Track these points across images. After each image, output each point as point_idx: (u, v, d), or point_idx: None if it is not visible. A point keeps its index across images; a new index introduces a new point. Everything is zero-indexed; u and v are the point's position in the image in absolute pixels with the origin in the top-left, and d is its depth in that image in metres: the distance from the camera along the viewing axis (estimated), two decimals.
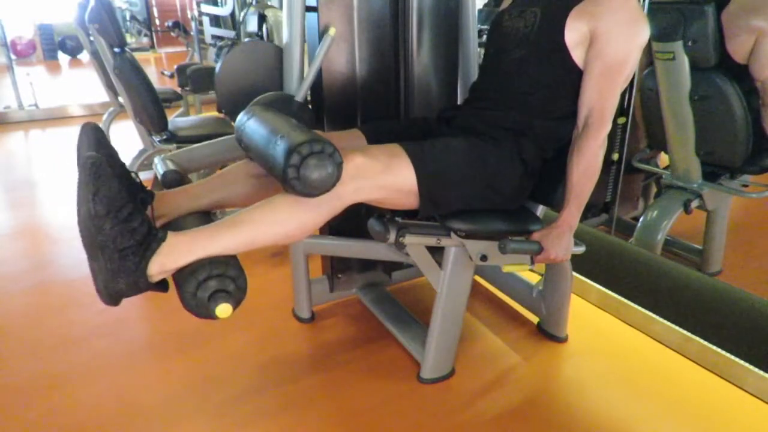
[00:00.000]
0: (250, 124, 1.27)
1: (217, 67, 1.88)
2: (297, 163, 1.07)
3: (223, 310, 1.08)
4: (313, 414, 1.52)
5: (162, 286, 1.13)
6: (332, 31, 1.66)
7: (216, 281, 1.08)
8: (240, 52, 1.81)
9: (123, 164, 1.21)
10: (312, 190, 1.10)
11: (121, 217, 1.03)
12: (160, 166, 1.54)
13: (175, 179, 1.44)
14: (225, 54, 1.88)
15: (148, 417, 1.51)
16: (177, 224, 1.26)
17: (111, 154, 1.17)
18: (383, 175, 1.24)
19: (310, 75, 1.68)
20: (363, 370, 1.70)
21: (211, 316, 1.08)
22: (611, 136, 1.37)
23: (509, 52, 1.45)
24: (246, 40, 3.03)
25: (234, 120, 2.05)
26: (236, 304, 1.12)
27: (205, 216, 1.33)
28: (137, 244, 1.05)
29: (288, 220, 1.18)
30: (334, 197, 1.17)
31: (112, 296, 1.07)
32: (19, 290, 2.20)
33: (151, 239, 1.07)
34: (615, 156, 2.11)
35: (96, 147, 1.14)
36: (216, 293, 1.08)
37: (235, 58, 1.80)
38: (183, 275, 1.09)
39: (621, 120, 2.07)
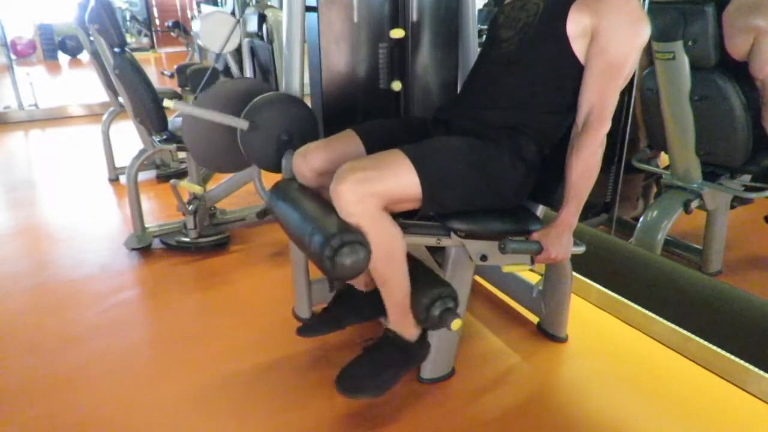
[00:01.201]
0: (280, 206, 1.46)
1: (183, 134, 1.91)
2: (330, 254, 1.21)
3: (456, 324, 1.42)
4: (313, 414, 1.51)
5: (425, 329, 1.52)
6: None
7: (441, 305, 1.42)
8: (189, 119, 1.83)
9: (331, 307, 1.68)
10: (347, 274, 1.25)
11: (380, 372, 1.45)
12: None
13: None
14: (182, 121, 1.92)
15: (148, 417, 1.51)
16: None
17: (328, 321, 1.64)
18: (385, 183, 1.26)
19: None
20: None
21: (449, 329, 1.43)
22: (610, 141, 1.37)
23: (507, 42, 1.45)
24: (246, 39, 3.02)
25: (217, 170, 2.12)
26: (461, 315, 1.46)
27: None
28: (400, 356, 1.48)
29: (380, 261, 1.32)
30: (361, 222, 1.25)
31: (422, 360, 1.57)
32: (19, 290, 2.20)
33: (397, 344, 1.48)
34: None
35: (319, 333, 1.67)
36: (444, 313, 1.43)
37: (191, 125, 1.84)
38: (419, 321, 1.46)
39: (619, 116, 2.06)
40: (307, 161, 1.48)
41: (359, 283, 1.64)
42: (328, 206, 1.33)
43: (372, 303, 1.57)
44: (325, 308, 1.66)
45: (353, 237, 1.23)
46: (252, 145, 1.68)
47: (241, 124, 1.66)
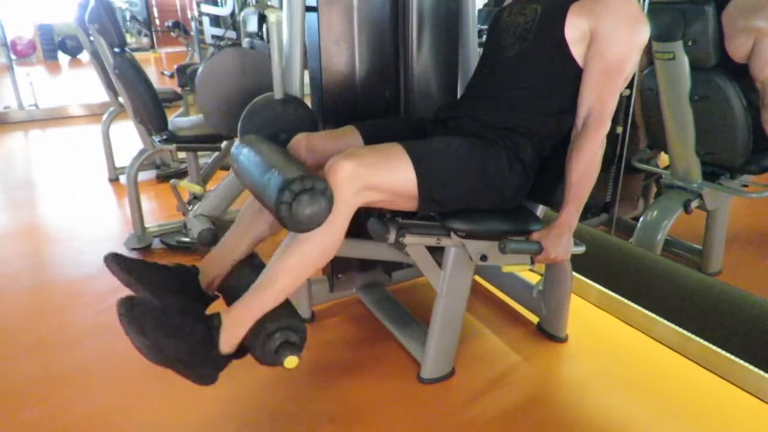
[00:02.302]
0: (244, 154, 1.32)
1: (198, 74, 1.87)
2: (289, 200, 1.10)
3: (290, 361, 1.22)
4: (313, 414, 1.51)
5: (240, 353, 1.26)
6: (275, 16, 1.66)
7: (280, 334, 1.21)
8: (221, 59, 1.81)
9: (155, 267, 1.36)
10: (303, 226, 1.14)
11: (176, 335, 1.16)
12: (195, 225, 1.65)
13: (209, 236, 1.58)
14: (205, 61, 1.89)
15: (148, 416, 1.51)
16: (230, 285, 1.42)
17: (140, 270, 1.33)
18: (381, 175, 1.25)
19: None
20: (363, 370, 1.70)
21: (281, 365, 1.22)
22: (610, 141, 1.37)
23: (509, 48, 1.45)
24: (246, 40, 3.03)
25: (219, 128, 2.08)
26: (300, 349, 1.25)
27: (251, 262, 1.46)
28: (200, 342, 1.19)
29: (314, 252, 1.24)
30: (339, 205, 1.19)
31: (206, 380, 1.23)
32: (19, 290, 2.20)
33: (210, 331, 1.20)
34: (619, 129, 2.09)
35: (125, 274, 1.30)
36: (281, 346, 1.21)
37: (216, 66, 1.81)
38: (249, 340, 1.23)
39: (619, 129, 2.07)
40: (311, 143, 1.48)
41: (206, 276, 1.43)
42: (298, 160, 1.25)
43: (194, 299, 1.37)
44: (156, 263, 1.40)
45: (317, 184, 1.12)
46: (257, 119, 1.66)
47: (279, 92, 1.66)
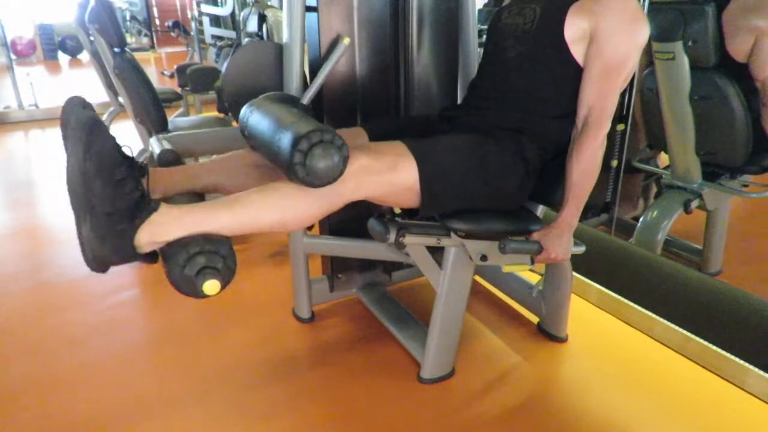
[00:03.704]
0: (255, 114, 1.26)
1: (224, 68, 1.86)
2: (305, 149, 1.05)
3: (211, 286, 1.04)
4: (313, 414, 1.51)
5: (150, 257, 1.09)
6: (346, 41, 1.61)
7: (205, 257, 1.04)
8: (245, 52, 1.80)
9: (114, 137, 1.12)
10: (315, 179, 1.08)
11: (113, 178, 0.99)
12: (156, 145, 1.53)
13: (171, 159, 1.41)
14: (231, 55, 1.87)
15: (148, 417, 1.51)
16: (171, 200, 1.22)
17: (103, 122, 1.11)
18: (386, 174, 1.24)
19: (317, 82, 1.67)
20: (363, 370, 1.70)
21: (198, 293, 1.04)
22: (610, 141, 1.36)
23: (508, 49, 1.45)
24: (246, 40, 3.03)
25: (232, 109, 2.04)
26: (224, 283, 1.07)
27: (200, 197, 1.31)
28: (127, 208, 1.01)
29: (287, 206, 1.15)
30: (334, 193, 1.17)
31: (98, 261, 1.03)
32: (19, 290, 2.20)
33: (143, 206, 1.04)
34: (614, 163, 2.10)
35: (87, 111, 1.07)
36: (204, 269, 1.04)
37: (241, 59, 1.79)
38: (172, 248, 1.05)
39: (620, 127, 2.06)
40: None
41: (158, 182, 1.26)
42: (310, 116, 1.18)
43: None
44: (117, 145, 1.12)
45: (331, 137, 1.07)
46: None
47: (308, 97, 1.63)
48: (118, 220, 1.01)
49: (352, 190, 1.20)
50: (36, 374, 1.68)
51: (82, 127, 0.98)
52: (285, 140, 1.08)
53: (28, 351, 1.80)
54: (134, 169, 1.08)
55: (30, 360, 1.75)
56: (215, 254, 1.06)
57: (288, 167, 1.08)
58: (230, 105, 1.91)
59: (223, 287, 1.06)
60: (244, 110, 1.31)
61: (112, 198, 1.00)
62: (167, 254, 1.06)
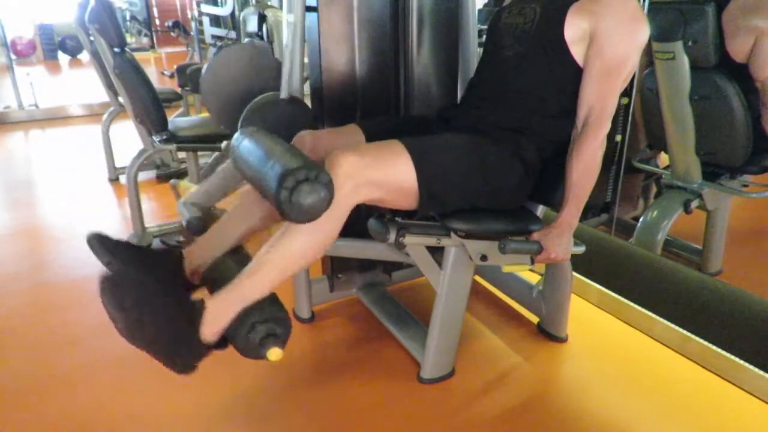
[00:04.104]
0: (245, 145, 1.28)
1: (204, 70, 1.86)
2: (291, 186, 1.08)
3: (274, 353, 1.19)
4: (313, 414, 1.51)
5: (222, 344, 1.22)
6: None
7: (264, 327, 1.19)
8: (227, 55, 1.80)
9: (138, 249, 1.32)
10: (303, 216, 1.11)
11: (156, 314, 1.11)
12: (184, 213, 1.62)
13: (198, 225, 1.54)
14: (212, 57, 1.88)
15: (148, 416, 1.51)
16: (214, 275, 1.36)
17: (124, 251, 1.28)
18: (381, 172, 1.24)
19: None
20: (363, 370, 1.70)
21: (264, 358, 1.19)
22: (614, 128, 1.36)
23: (508, 48, 1.45)
24: (246, 40, 3.03)
25: (223, 124, 2.07)
26: (284, 344, 1.22)
27: (237, 255, 1.41)
28: (181, 326, 1.14)
29: (305, 246, 1.21)
30: (338, 199, 1.17)
31: (185, 368, 1.17)
32: (19, 290, 2.20)
33: (192, 316, 1.15)
34: (618, 137, 2.08)
35: (108, 255, 1.26)
36: (266, 338, 1.19)
37: (222, 62, 1.80)
38: (231, 329, 1.19)
39: (624, 100, 2.03)
40: (315, 140, 1.47)
41: (191, 262, 1.38)
42: (298, 150, 1.22)
43: (176, 286, 1.30)
44: (140, 246, 1.39)
45: (318, 174, 1.10)
46: (268, 118, 1.66)
47: (284, 91, 1.66)
48: (180, 340, 1.15)
49: (351, 193, 1.20)
50: (36, 374, 1.68)
51: (107, 290, 1.11)
52: (271, 180, 1.10)
53: (28, 351, 1.80)
54: (176, 290, 1.23)
55: (30, 360, 1.75)
56: (269, 322, 1.20)
57: (276, 206, 1.12)
58: (211, 111, 1.92)
59: (283, 348, 1.21)
60: (235, 138, 1.34)
61: (165, 328, 1.12)
62: (230, 336, 1.20)
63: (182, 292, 1.26)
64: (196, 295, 1.30)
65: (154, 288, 1.14)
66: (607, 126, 1.33)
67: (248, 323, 1.18)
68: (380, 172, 1.24)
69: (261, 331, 1.18)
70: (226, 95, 1.84)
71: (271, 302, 1.23)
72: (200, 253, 1.40)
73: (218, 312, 1.18)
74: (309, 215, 1.11)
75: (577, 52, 1.33)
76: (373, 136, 1.49)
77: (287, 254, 1.21)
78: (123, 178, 3.24)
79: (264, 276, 1.20)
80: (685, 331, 1.75)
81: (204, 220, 1.56)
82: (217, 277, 1.35)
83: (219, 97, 1.87)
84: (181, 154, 3.45)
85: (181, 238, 2.47)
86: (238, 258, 1.40)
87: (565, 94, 1.38)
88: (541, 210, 1.61)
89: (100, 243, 1.26)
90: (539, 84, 1.40)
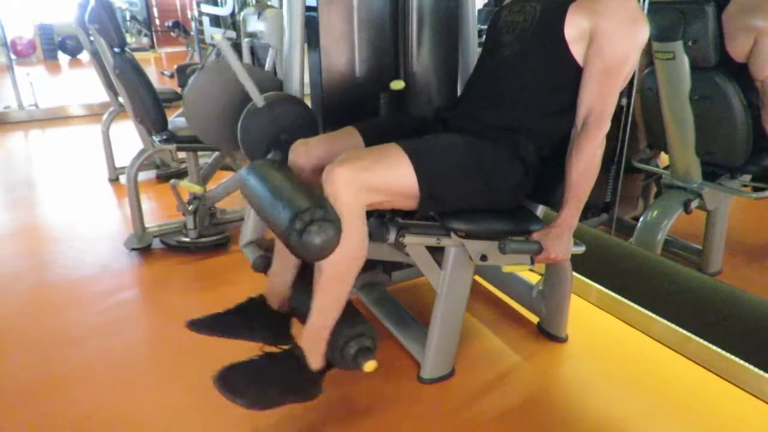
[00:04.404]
0: (252, 182, 1.36)
1: (183, 101, 1.87)
2: (300, 229, 1.14)
3: (369, 365, 1.33)
4: (313, 414, 1.51)
5: (328, 368, 1.38)
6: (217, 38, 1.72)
7: (353, 343, 1.34)
8: (202, 80, 1.81)
9: (230, 313, 1.53)
10: (314, 255, 1.18)
11: (270, 381, 1.31)
12: (247, 255, 1.89)
13: (263, 263, 1.70)
14: (193, 77, 1.89)
15: (148, 416, 1.51)
16: (294, 304, 1.53)
17: (218, 323, 1.52)
18: (380, 175, 1.25)
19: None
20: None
21: (362, 371, 1.33)
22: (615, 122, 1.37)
23: (507, 47, 1.45)
24: (246, 40, 3.02)
25: (220, 146, 2.10)
26: (374, 353, 1.37)
27: (305, 278, 1.49)
28: (294, 376, 1.33)
29: (341, 262, 1.27)
30: (343, 211, 1.21)
31: (314, 396, 1.35)
32: (19, 290, 2.20)
33: (298, 362, 1.33)
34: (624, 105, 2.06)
35: (210, 333, 1.50)
36: (358, 352, 1.33)
37: (200, 89, 1.81)
38: (329, 352, 1.35)
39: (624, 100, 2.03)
40: (309, 150, 1.48)
41: (273, 298, 1.56)
42: (306, 185, 1.28)
43: (276, 325, 1.53)
44: (226, 310, 1.55)
45: (326, 214, 1.16)
46: (251, 128, 1.68)
47: (259, 100, 1.68)
48: (300, 383, 1.34)
49: (352, 200, 1.22)
50: (36, 374, 1.68)
51: (219, 384, 1.30)
52: (280, 224, 1.17)
53: (29, 351, 1.80)
54: (276, 351, 1.39)
55: (30, 360, 1.75)
56: (357, 338, 1.34)
57: (286, 246, 1.19)
58: (196, 128, 1.94)
59: (374, 355, 1.36)
60: (243, 172, 1.42)
61: (278, 387, 1.33)
62: (330, 360, 1.36)
63: (281, 341, 1.45)
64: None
65: (260, 361, 1.33)
66: (607, 126, 1.33)
67: (338, 346, 1.32)
68: (378, 176, 1.25)
69: (352, 348, 1.33)
70: (213, 120, 1.87)
71: (349, 317, 1.35)
72: (276, 289, 1.55)
73: (312, 347, 1.33)
74: (320, 254, 1.18)
75: (577, 51, 1.33)
76: (370, 138, 1.49)
77: (332, 275, 1.29)
78: (123, 178, 3.24)
79: (327, 302, 1.31)
80: (684, 331, 1.75)
81: (266, 256, 1.71)
82: (300, 307, 1.47)
83: (207, 125, 1.90)
84: (181, 154, 3.45)
85: (182, 239, 2.48)
86: (307, 279, 1.48)
87: (565, 93, 1.38)
88: (541, 210, 1.61)
89: (197, 327, 1.51)
90: (538, 82, 1.40)
